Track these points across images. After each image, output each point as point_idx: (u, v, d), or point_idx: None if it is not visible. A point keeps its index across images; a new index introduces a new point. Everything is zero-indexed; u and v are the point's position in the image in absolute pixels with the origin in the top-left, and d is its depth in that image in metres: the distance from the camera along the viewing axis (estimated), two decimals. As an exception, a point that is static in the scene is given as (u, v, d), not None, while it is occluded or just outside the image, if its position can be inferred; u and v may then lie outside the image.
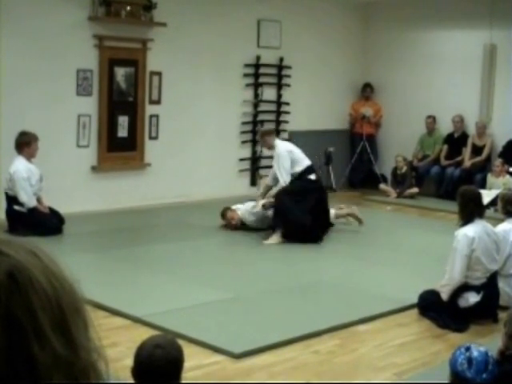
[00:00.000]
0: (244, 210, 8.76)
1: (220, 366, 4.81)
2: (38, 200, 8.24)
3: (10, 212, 8.17)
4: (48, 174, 8.50)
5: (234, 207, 8.88)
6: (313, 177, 8.60)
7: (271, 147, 8.66)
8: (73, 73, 9.43)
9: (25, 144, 8.14)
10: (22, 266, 0.83)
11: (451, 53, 11.99)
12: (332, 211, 8.97)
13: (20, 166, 8.08)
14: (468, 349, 3.22)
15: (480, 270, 5.82)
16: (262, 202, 8.67)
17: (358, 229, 9.18)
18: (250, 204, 8.84)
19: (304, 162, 8.57)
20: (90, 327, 0.88)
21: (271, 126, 11.24)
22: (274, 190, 8.64)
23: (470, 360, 3.17)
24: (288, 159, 8.43)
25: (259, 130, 9.33)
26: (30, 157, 8.18)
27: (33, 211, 8.09)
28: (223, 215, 8.83)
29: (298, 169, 8.50)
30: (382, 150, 12.85)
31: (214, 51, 10.85)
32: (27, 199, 8.07)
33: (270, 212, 8.49)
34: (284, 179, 8.38)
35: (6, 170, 8.18)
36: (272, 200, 8.49)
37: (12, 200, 8.14)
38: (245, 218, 8.72)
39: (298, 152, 8.61)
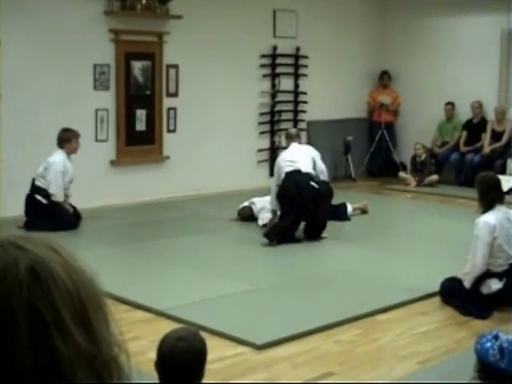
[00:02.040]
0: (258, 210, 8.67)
1: (243, 358, 4.82)
2: (66, 197, 8.28)
3: (30, 201, 8.16)
4: (67, 168, 8.53)
5: (248, 202, 8.83)
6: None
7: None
8: (90, 67, 9.45)
9: (65, 140, 8.25)
10: (43, 261, 0.84)
11: (469, 38, 11.89)
12: (349, 206, 9.06)
13: (60, 158, 8.15)
14: (496, 337, 3.16)
15: (502, 256, 5.79)
16: (267, 217, 8.36)
17: (377, 218, 9.16)
18: (266, 199, 8.77)
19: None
20: (110, 321, 0.88)
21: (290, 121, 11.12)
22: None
23: (501, 350, 3.10)
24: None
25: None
26: (70, 152, 8.28)
27: (53, 204, 8.14)
28: (240, 214, 8.81)
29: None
30: (400, 137, 12.78)
31: (231, 42, 10.83)
32: (57, 191, 8.12)
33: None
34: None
35: (38, 162, 8.20)
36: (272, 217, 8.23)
37: (36, 190, 8.14)
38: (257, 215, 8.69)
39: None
